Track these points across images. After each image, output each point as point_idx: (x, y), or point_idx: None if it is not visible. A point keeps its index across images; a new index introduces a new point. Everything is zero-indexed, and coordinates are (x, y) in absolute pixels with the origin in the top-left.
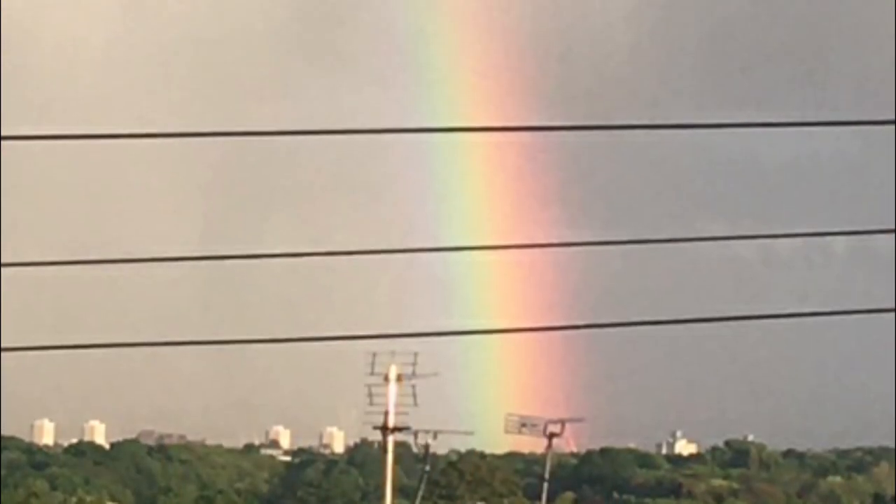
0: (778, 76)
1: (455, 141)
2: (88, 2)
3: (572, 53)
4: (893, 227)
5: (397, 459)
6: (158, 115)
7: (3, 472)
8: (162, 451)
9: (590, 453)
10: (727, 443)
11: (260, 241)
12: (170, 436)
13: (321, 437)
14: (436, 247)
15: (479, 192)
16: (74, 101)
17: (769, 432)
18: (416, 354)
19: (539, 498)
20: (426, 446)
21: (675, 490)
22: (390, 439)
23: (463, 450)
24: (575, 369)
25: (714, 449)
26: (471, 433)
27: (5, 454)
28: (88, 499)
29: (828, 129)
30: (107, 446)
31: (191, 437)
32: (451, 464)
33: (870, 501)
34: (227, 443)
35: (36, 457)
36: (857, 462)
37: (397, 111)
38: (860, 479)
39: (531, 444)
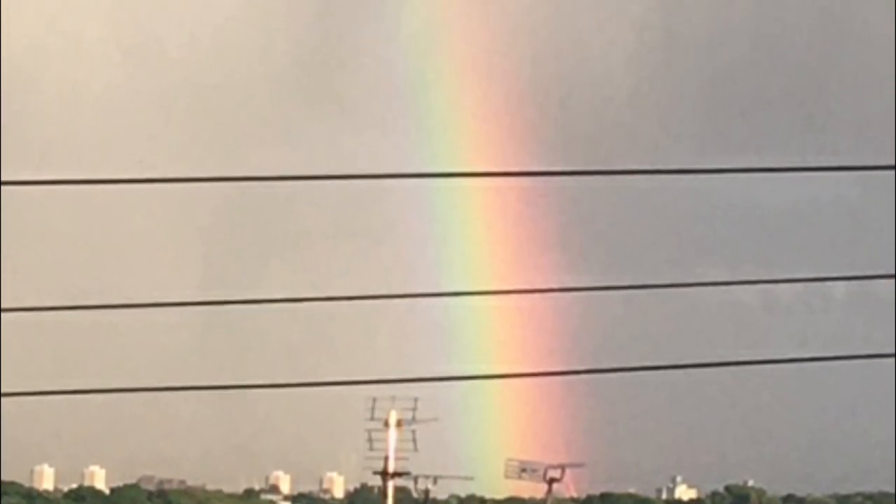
0: (778, 121)
1: (455, 186)
2: (88, 47)
3: (572, 98)
4: (894, 272)
5: None
6: (158, 159)
7: None
8: (162, 496)
9: (590, 498)
10: (727, 488)
11: (260, 286)
12: (170, 481)
13: (321, 482)
14: (436, 292)
15: (479, 238)
16: (74, 146)
17: (769, 477)
18: (416, 400)
19: None
20: (426, 491)
21: None
22: (390, 484)
23: (463, 495)
24: (575, 414)
25: (714, 494)
26: (471, 478)
27: (5, 500)
28: None
29: (828, 173)
30: (107, 491)
31: (191, 483)
32: None
33: None
34: (228, 488)
35: (36, 502)
36: None
37: (397, 156)
38: None
39: (531, 490)
